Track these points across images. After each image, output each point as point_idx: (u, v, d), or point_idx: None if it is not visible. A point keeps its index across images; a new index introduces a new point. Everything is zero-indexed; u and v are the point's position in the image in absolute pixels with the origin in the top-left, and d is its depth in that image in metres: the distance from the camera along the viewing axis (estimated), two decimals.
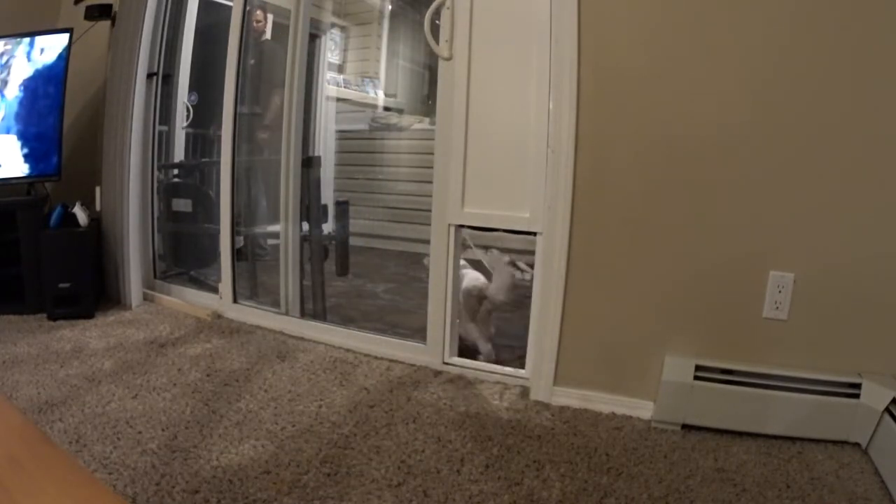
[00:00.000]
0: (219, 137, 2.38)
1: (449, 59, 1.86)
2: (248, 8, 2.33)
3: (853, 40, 1.43)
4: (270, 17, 3.15)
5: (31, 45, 2.40)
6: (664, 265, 1.63)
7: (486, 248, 2.15)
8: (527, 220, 1.80)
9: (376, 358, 2.03)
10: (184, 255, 2.95)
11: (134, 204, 2.51)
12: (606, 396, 1.70)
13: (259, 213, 2.97)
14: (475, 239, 2.01)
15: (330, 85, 4.49)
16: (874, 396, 1.45)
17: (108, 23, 2.58)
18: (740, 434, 1.54)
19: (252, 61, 2.83)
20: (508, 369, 1.88)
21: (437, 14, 1.85)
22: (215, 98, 2.43)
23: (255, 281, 2.75)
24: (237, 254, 2.42)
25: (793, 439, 1.52)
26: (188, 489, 1.24)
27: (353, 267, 2.41)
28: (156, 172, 2.65)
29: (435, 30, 1.85)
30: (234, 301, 2.44)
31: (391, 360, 2.01)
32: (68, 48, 2.41)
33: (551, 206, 1.71)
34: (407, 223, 2.34)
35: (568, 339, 1.73)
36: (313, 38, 4.10)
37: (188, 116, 2.99)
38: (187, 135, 3.03)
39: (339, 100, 4.54)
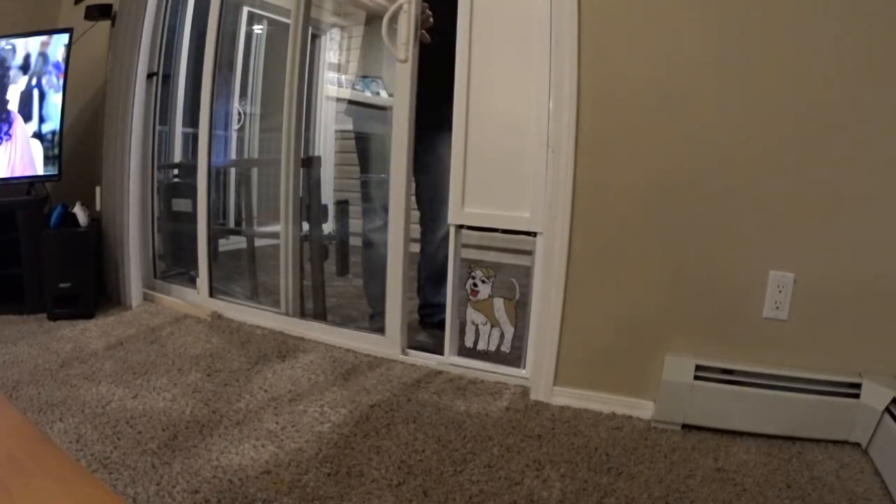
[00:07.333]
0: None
1: (405, 61, 1.88)
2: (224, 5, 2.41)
3: (852, 40, 1.43)
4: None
5: (31, 45, 2.40)
6: (664, 265, 1.63)
7: None
8: (527, 220, 1.80)
9: (376, 357, 2.03)
10: (184, 255, 2.95)
11: (134, 204, 2.51)
12: (606, 396, 1.70)
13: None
14: (474, 239, 2.01)
15: (330, 85, 4.47)
16: (874, 396, 1.45)
17: (108, 23, 2.58)
18: (740, 434, 1.54)
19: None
20: (509, 369, 1.88)
21: (394, 18, 1.87)
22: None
23: (255, 281, 2.75)
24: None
25: (793, 439, 1.52)
26: (188, 489, 1.24)
27: (353, 267, 2.41)
28: (156, 172, 2.65)
29: (393, 34, 1.87)
30: (210, 295, 2.50)
31: (391, 360, 2.01)
32: (68, 48, 2.41)
33: (551, 206, 1.71)
34: None
35: (568, 339, 1.73)
36: (313, 37, 4.09)
37: (240, 120, 3.09)
38: (185, 135, 3.03)
39: (338, 100, 4.53)
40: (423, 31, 1.94)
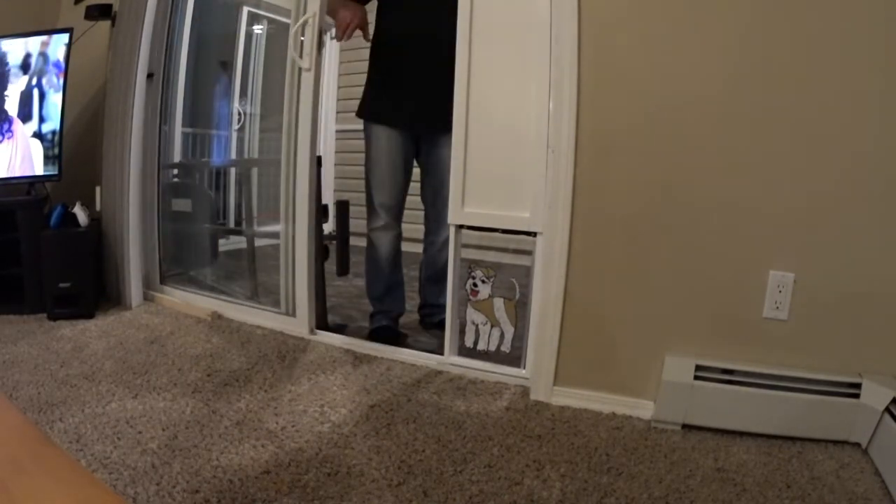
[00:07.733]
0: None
1: (309, 69, 2.01)
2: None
3: (853, 40, 1.43)
4: None
5: (31, 45, 2.40)
6: (664, 265, 1.63)
7: None
8: (527, 219, 1.80)
9: (376, 358, 2.03)
10: (183, 256, 2.95)
11: (134, 204, 2.51)
12: (606, 396, 1.70)
13: None
14: (474, 239, 2.01)
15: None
16: (874, 396, 1.45)
17: (108, 23, 2.58)
18: (740, 434, 1.54)
19: None
20: (509, 369, 1.88)
21: (302, 30, 2.01)
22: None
23: (255, 281, 2.75)
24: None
25: (793, 439, 1.52)
26: (188, 489, 1.24)
27: (353, 266, 2.42)
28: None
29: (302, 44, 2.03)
30: (161, 282, 2.65)
31: (391, 360, 2.01)
32: (68, 48, 2.41)
33: (551, 207, 1.71)
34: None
35: (568, 339, 1.73)
36: None
37: (240, 120, 3.21)
38: (185, 135, 3.03)
39: (339, 100, 4.53)
40: (359, 29, 2.09)
